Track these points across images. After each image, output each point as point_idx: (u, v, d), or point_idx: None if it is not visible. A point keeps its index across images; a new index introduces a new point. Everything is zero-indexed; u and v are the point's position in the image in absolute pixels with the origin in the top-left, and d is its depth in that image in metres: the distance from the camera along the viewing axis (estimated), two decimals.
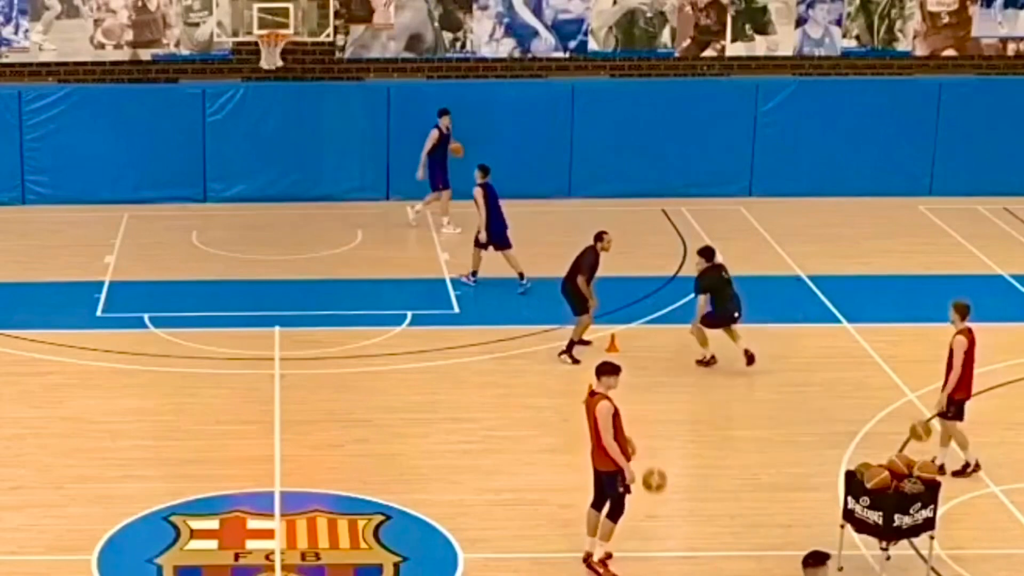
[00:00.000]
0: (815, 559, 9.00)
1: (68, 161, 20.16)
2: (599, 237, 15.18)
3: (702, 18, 20.97)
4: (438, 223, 19.14)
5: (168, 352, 15.30)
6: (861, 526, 11.17)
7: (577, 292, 15.05)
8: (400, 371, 14.99)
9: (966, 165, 20.92)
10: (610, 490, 11.13)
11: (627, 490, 11.08)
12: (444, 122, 18.99)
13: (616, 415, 10.97)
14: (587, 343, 15.33)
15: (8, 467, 12.89)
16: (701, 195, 20.63)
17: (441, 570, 11.34)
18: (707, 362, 15.02)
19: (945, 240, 19.43)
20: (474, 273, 17.21)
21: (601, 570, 11.18)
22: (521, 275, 16.99)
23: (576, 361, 15.03)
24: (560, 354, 15.12)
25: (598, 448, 11.13)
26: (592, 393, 11.15)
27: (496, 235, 17.04)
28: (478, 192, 17.01)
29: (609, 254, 15.37)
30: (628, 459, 11.08)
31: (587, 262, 15.03)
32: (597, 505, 11.30)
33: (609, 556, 11.27)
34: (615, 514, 11.17)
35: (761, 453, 13.35)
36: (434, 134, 18.93)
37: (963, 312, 12.87)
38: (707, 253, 15.19)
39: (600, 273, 15.36)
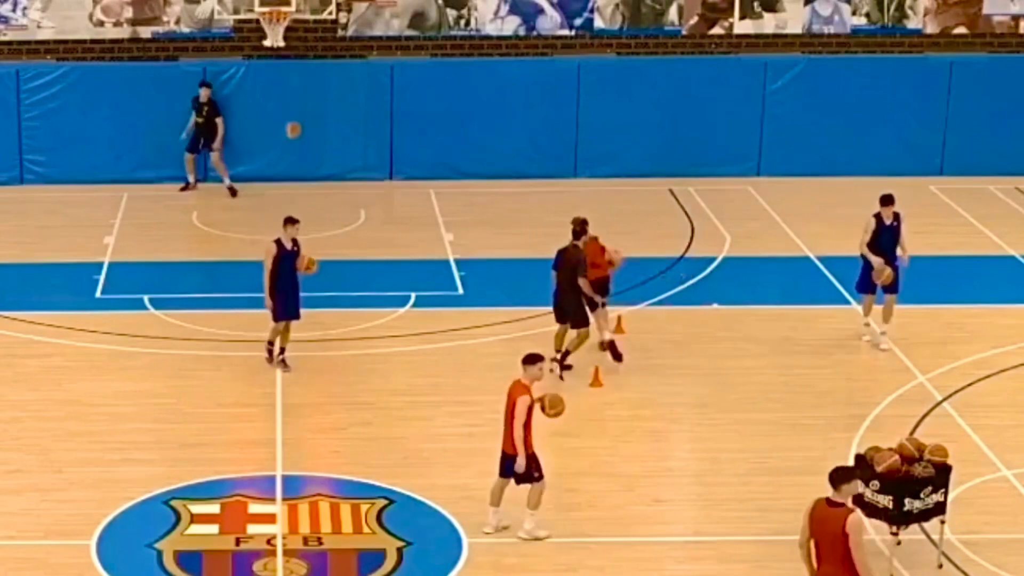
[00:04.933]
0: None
1: (67, 140, 19.99)
2: (578, 234, 13.96)
3: None
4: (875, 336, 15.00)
5: (168, 334, 15.15)
6: (871, 510, 11.02)
7: (577, 303, 13.98)
8: (404, 353, 14.83)
9: (977, 145, 20.71)
10: None
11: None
12: (887, 211, 14.70)
13: None
14: (568, 367, 14.15)
15: (6, 450, 12.77)
16: (709, 175, 20.44)
17: (445, 555, 11.22)
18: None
19: (956, 220, 19.24)
20: None
21: None
22: None
23: (568, 367, 13.91)
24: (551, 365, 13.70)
25: None
26: None
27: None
28: None
29: (616, 235, 15.17)
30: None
31: (580, 261, 13.89)
32: None
33: None
34: None
35: (770, 436, 13.19)
36: (871, 224, 14.78)
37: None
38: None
39: None
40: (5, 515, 11.69)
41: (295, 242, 14.15)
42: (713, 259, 17.61)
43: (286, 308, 14.02)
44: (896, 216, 14.74)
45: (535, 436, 11.36)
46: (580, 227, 14.07)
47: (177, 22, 20.34)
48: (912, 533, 11.20)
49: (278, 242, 14.10)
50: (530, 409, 11.15)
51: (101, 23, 20.22)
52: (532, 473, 11.28)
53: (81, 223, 18.68)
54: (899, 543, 11.00)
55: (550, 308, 15.77)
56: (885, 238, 14.65)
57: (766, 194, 20.03)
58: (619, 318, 15.39)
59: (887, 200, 14.70)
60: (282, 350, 14.26)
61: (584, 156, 20.59)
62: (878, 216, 14.73)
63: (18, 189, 19.98)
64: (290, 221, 14.13)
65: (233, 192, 19.69)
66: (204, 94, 19.68)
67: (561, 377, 14.02)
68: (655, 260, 17.36)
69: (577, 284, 13.97)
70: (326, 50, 20.63)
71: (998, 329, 15.60)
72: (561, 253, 14.10)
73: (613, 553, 11.34)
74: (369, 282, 16.73)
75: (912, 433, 12.92)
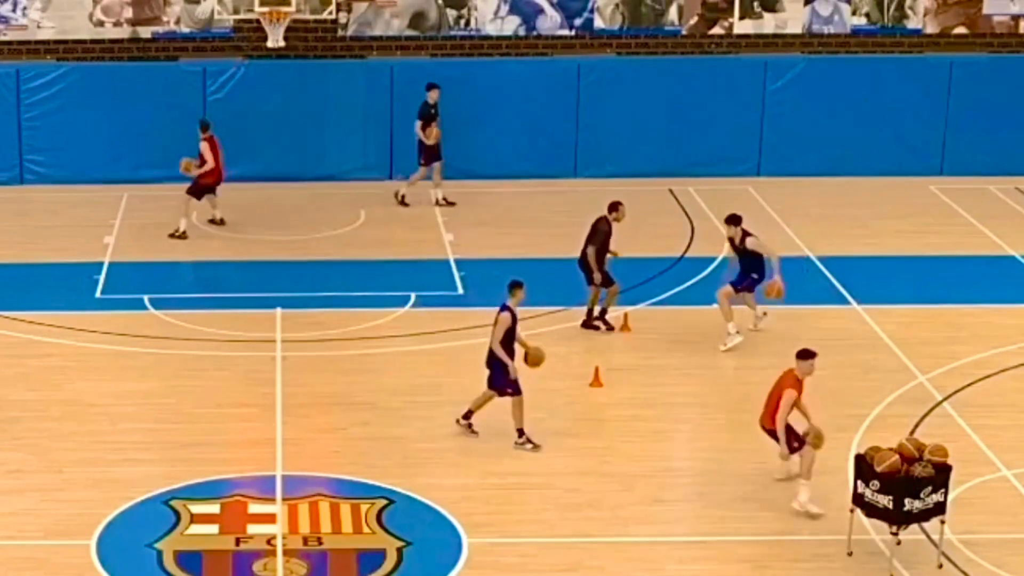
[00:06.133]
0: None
1: (67, 140, 19.99)
2: (613, 207, 15.22)
3: None
4: None
5: (168, 334, 15.15)
6: (871, 510, 11.03)
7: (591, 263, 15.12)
8: (403, 353, 14.83)
9: (977, 145, 20.71)
10: None
11: None
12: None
13: None
14: (607, 325, 15.26)
15: (6, 450, 12.76)
16: (709, 175, 20.44)
17: (445, 555, 11.21)
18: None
19: (956, 220, 19.24)
20: None
21: None
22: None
23: (611, 328, 15.21)
24: (592, 326, 15.28)
25: None
26: None
27: None
28: None
29: (616, 236, 15.20)
30: None
31: (599, 231, 15.07)
32: None
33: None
34: None
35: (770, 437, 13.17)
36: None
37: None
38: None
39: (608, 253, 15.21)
40: (5, 515, 11.69)
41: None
42: (713, 259, 17.61)
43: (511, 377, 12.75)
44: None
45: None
46: (614, 205, 15.25)
47: (177, 22, 20.34)
48: (912, 533, 11.19)
49: (508, 308, 12.73)
50: (794, 402, 11.73)
51: (101, 23, 20.22)
52: (792, 445, 11.74)
53: (81, 223, 18.68)
54: (899, 543, 11.00)
55: (549, 308, 15.81)
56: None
57: (766, 194, 20.03)
58: (625, 315, 15.43)
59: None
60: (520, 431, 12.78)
61: (584, 156, 20.59)
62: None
63: (18, 189, 19.98)
64: (518, 285, 12.84)
65: (449, 202, 19.06)
66: (435, 95, 18.91)
67: (609, 328, 15.27)
68: (655, 260, 17.37)
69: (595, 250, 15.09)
70: (326, 50, 20.62)
71: (998, 329, 15.60)
72: (595, 221, 15.27)
73: (613, 553, 11.34)
74: (369, 282, 16.73)
75: (912, 433, 12.91)
